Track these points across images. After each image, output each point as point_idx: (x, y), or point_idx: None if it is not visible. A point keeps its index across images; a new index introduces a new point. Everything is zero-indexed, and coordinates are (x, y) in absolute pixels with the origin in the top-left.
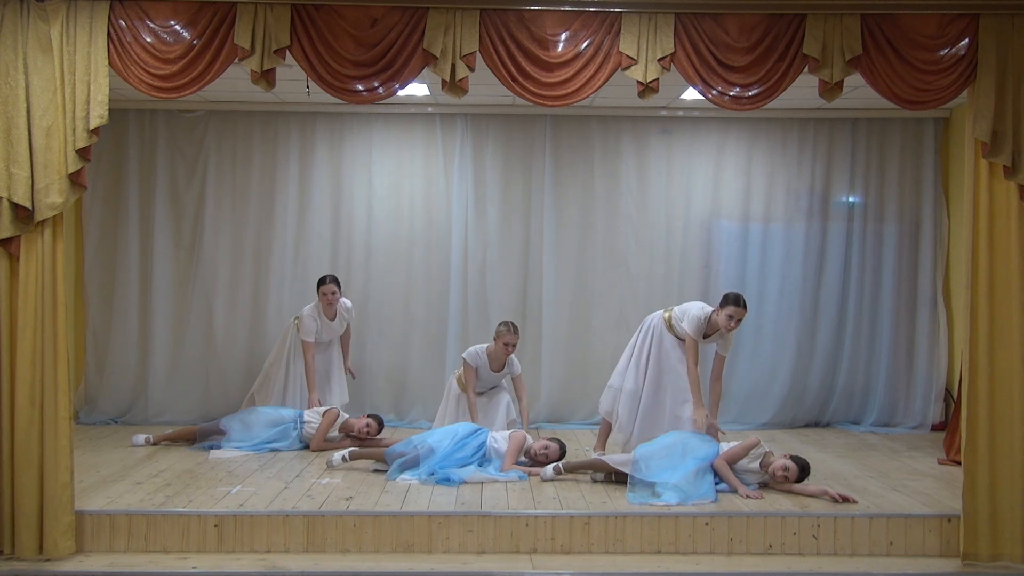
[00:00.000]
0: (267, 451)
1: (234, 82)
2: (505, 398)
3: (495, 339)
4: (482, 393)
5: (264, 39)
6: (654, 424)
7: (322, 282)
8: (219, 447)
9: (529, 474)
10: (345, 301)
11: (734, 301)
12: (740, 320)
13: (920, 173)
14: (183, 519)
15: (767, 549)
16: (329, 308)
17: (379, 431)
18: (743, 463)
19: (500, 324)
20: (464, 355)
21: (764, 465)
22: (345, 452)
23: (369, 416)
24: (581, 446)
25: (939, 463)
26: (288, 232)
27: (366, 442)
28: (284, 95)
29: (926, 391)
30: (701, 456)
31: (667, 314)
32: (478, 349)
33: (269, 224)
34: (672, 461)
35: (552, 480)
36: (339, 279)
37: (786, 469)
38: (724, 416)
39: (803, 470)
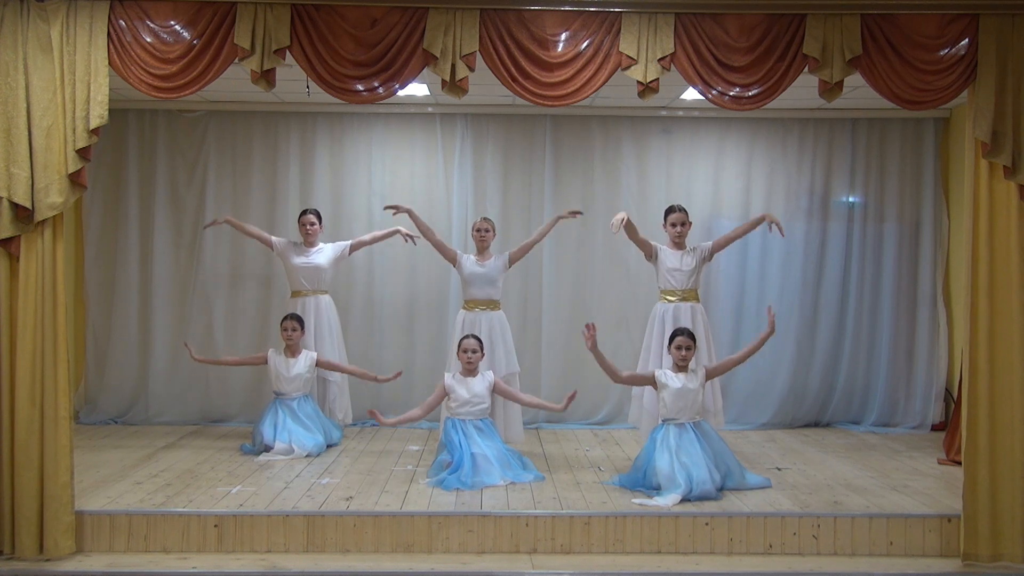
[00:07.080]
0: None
1: (234, 82)
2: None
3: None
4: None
5: (264, 39)
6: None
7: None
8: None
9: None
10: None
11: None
12: (682, 224)
13: (920, 173)
14: (183, 519)
15: (767, 549)
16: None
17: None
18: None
19: None
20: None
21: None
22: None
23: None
24: (581, 446)
25: (939, 463)
26: (288, 232)
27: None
28: (284, 95)
29: (926, 391)
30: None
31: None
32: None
33: (269, 224)
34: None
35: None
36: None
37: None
38: (724, 416)
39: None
